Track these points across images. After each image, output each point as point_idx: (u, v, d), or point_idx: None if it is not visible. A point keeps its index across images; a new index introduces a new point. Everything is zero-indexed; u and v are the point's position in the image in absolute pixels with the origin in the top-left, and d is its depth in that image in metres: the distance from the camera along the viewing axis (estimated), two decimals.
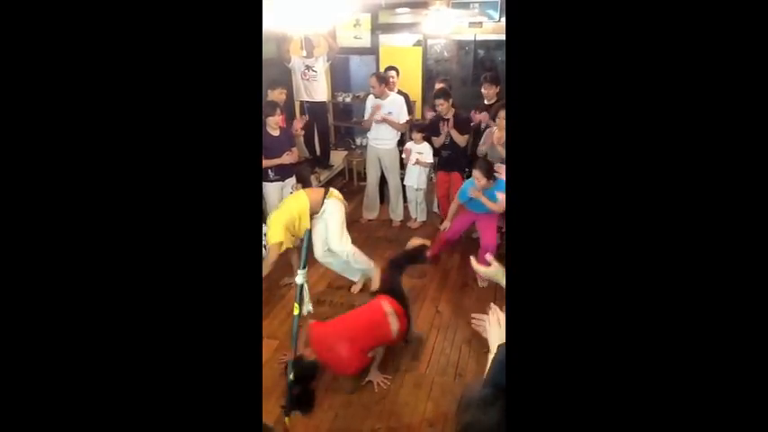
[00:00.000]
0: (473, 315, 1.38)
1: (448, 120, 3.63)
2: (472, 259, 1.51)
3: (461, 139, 3.64)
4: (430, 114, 3.98)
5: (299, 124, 3.78)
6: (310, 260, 2.46)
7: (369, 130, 4.05)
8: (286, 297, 3.09)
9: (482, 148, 3.54)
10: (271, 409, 2.09)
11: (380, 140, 4.00)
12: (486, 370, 1.20)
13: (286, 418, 1.77)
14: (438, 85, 3.99)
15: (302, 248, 1.79)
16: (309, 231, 1.79)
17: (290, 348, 2.56)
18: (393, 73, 4.11)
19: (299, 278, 1.79)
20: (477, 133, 3.75)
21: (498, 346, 1.22)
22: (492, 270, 1.51)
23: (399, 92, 4.13)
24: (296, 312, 1.78)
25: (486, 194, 3.03)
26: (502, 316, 1.29)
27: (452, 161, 3.77)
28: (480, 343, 2.69)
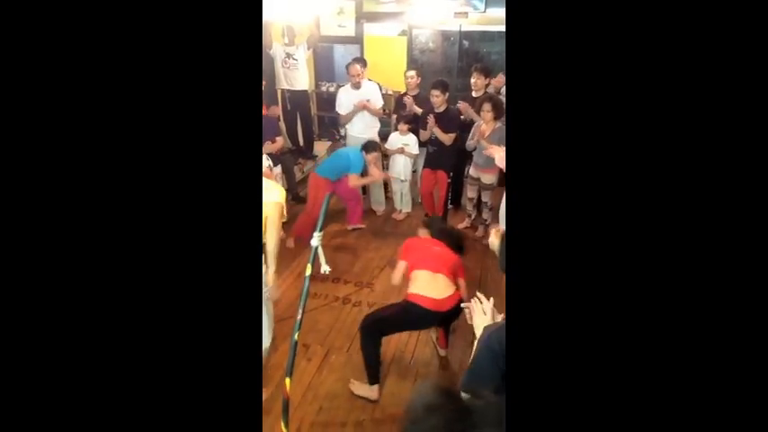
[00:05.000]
0: (463, 304, 1.39)
1: (432, 115, 3.53)
2: (490, 232, 1.55)
3: (446, 138, 3.54)
4: (407, 100, 3.89)
5: (275, 110, 3.69)
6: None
7: (344, 124, 4.02)
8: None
9: (470, 142, 3.49)
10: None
11: (364, 131, 3.96)
12: (472, 354, 1.20)
13: (287, 379, 1.77)
14: (410, 74, 3.90)
15: (321, 212, 1.84)
16: (330, 195, 1.93)
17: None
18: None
19: (315, 240, 1.84)
20: (467, 126, 3.64)
21: (484, 329, 1.22)
22: (497, 242, 1.54)
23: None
24: (307, 273, 1.83)
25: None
26: (488, 305, 1.30)
27: (438, 158, 3.69)
28: (465, 334, 2.71)
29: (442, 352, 2.53)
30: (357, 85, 3.82)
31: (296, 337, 1.78)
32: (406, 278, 2.31)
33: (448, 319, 2.29)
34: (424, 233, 2.54)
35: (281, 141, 3.37)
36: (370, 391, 2.22)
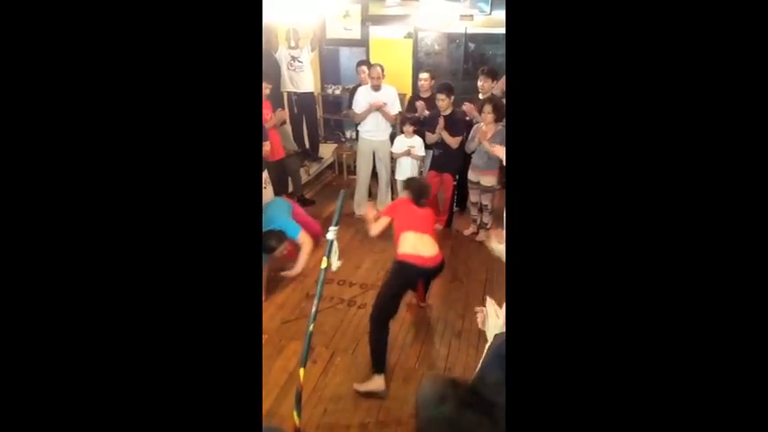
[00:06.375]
0: (476, 308, 1.41)
1: (439, 118, 3.52)
2: (491, 235, 1.57)
3: (452, 141, 3.53)
4: (419, 105, 3.91)
5: (282, 114, 3.67)
6: None
7: (358, 123, 4.00)
8: (273, 294, 3.07)
9: (470, 144, 3.49)
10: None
11: (376, 132, 3.94)
12: (482, 359, 1.20)
13: (301, 369, 1.80)
14: (423, 76, 3.90)
15: (337, 207, 1.94)
16: (344, 192, 2.02)
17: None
18: (364, 68, 4.07)
19: (331, 234, 1.91)
20: (470, 128, 3.64)
21: (495, 336, 1.22)
22: (503, 247, 1.55)
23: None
24: (323, 266, 1.89)
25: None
26: (499, 309, 1.30)
27: (444, 161, 3.68)
28: (470, 337, 2.70)
29: (422, 304, 2.88)
30: (377, 88, 3.83)
31: (311, 328, 1.83)
32: (394, 241, 2.51)
33: (432, 275, 2.58)
34: (406, 195, 2.70)
35: (267, 145, 3.34)
36: (376, 382, 2.24)
